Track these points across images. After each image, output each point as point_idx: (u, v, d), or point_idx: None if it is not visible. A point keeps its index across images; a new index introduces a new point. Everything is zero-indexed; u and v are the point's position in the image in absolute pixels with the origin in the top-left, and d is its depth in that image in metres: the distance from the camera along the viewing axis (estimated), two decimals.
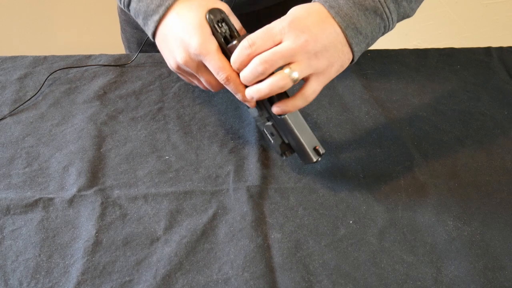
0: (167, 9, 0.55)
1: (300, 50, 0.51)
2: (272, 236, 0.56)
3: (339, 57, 0.54)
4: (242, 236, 0.56)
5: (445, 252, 0.55)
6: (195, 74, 0.58)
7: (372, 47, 0.82)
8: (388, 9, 0.54)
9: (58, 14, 1.64)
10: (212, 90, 0.61)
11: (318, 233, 0.56)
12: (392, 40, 1.71)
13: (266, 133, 0.61)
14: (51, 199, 0.59)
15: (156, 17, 0.56)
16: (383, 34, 0.57)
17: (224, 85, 0.56)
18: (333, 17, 0.52)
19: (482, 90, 0.75)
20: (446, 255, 0.54)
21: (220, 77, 0.54)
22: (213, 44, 0.55)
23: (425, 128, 0.69)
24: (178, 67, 0.59)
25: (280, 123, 0.58)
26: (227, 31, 0.56)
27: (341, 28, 0.53)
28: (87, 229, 0.56)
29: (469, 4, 1.63)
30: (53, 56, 0.78)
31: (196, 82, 0.62)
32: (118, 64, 0.77)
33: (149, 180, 0.61)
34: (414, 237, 0.56)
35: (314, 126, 0.68)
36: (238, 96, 0.56)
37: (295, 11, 0.53)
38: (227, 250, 0.55)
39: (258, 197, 0.60)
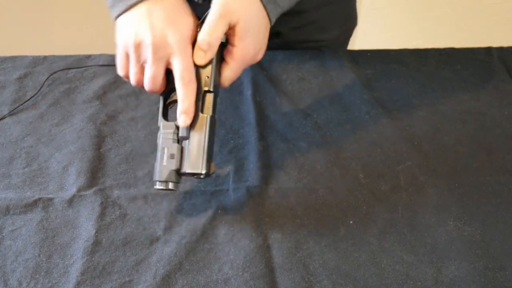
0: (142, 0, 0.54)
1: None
2: (272, 236, 0.56)
3: (264, 38, 0.58)
4: (242, 236, 0.56)
5: (445, 252, 0.55)
6: (149, 62, 0.54)
7: (372, 47, 0.83)
8: None
9: (57, 14, 1.64)
10: (148, 87, 0.55)
11: (318, 233, 0.56)
12: (392, 40, 1.71)
13: (172, 152, 0.54)
14: (50, 199, 0.59)
15: (130, 1, 0.54)
16: None
17: (181, 86, 0.53)
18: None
19: (482, 90, 0.75)
20: (447, 255, 0.54)
21: (186, 76, 0.53)
22: (191, 47, 0.55)
23: (425, 128, 0.69)
24: (136, 46, 0.54)
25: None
26: None
27: (262, 3, 0.55)
28: (87, 229, 0.56)
29: (469, 4, 1.63)
30: (53, 56, 0.78)
31: (133, 72, 0.56)
32: None
33: (149, 180, 0.61)
34: (414, 237, 0.56)
35: (314, 126, 0.68)
36: (185, 104, 0.53)
37: None
38: (227, 250, 0.55)
39: (258, 197, 0.59)
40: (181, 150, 0.54)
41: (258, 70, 0.76)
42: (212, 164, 0.54)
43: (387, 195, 0.60)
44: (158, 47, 0.53)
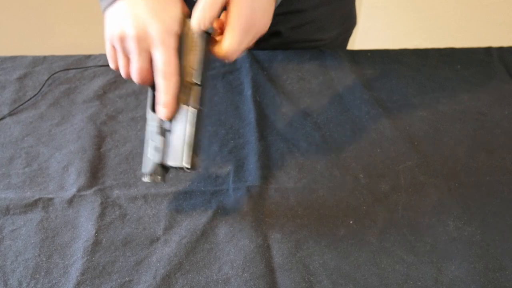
0: None
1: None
2: (272, 236, 0.56)
3: (268, 5, 0.56)
4: (242, 236, 0.56)
5: (446, 252, 0.55)
6: (133, 55, 0.54)
7: (372, 47, 0.83)
8: None
9: (58, 14, 1.64)
10: (136, 80, 0.55)
11: (318, 233, 0.56)
12: (392, 40, 1.71)
13: (152, 145, 0.54)
14: (50, 199, 0.59)
15: None
16: None
17: (161, 80, 0.52)
18: None
19: (482, 90, 0.75)
20: (447, 255, 0.54)
21: (167, 68, 0.52)
22: (174, 39, 0.53)
23: (425, 128, 0.69)
24: (120, 39, 0.53)
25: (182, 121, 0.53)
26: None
27: None
28: (87, 229, 0.56)
29: (469, 4, 1.63)
30: (53, 56, 0.78)
31: (122, 65, 0.56)
32: None
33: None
34: (414, 237, 0.56)
35: (314, 126, 0.68)
36: (166, 98, 0.52)
37: None
38: (227, 250, 0.55)
39: (258, 197, 0.59)
40: (164, 143, 0.53)
41: (258, 70, 0.76)
42: (197, 159, 0.53)
43: (387, 195, 0.60)
44: (140, 39, 0.52)
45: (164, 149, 0.53)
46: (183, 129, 0.53)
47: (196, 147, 0.53)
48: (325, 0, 0.83)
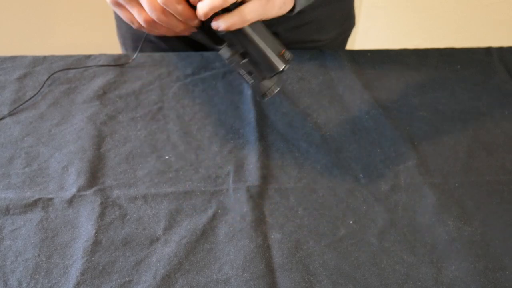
0: None
1: None
2: (272, 236, 0.56)
3: None
4: (242, 236, 0.56)
5: (446, 252, 0.55)
6: (127, 5, 0.55)
7: (373, 46, 0.83)
8: None
9: (58, 14, 1.64)
10: (160, 10, 0.53)
11: (318, 233, 0.56)
12: (392, 40, 1.71)
13: (244, 73, 0.57)
14: (50, 199, 0.59)
15: None
16: None
17: (165, 6, 0.51)
18: None
19: (482, 90, 0.75)
20: (447, 255, 0.54)
21: None
22: None
23: (425, 128, 0.69)
24: None
25: (243, 39, 0.55)
26: None
27: None
28: (87, 229, 0.56)
29: (469, 4, 1.63)
30: (53, 56, 0.78)
31: (136, 13, 0.57)
32: (117, 64, 0.77)
33: (149, 180, 0.61)
34: (414, 237, 0.56)
35: (314, 126, 0.68)
36: (180, 17, 0.51)
37: None
38: (227, 250, 0.55)
39: (258, 197, 0.59)
40: (252, 61, 0.56)
41: None
42: (282, 52, 0.55)
43: (387, 195, 0.60)
44: None
45: (255, 66, 0.56)
46: (252, 40, 0.54)
47: (275, 45, 0.55)
48: (323, 1, 0.83)
